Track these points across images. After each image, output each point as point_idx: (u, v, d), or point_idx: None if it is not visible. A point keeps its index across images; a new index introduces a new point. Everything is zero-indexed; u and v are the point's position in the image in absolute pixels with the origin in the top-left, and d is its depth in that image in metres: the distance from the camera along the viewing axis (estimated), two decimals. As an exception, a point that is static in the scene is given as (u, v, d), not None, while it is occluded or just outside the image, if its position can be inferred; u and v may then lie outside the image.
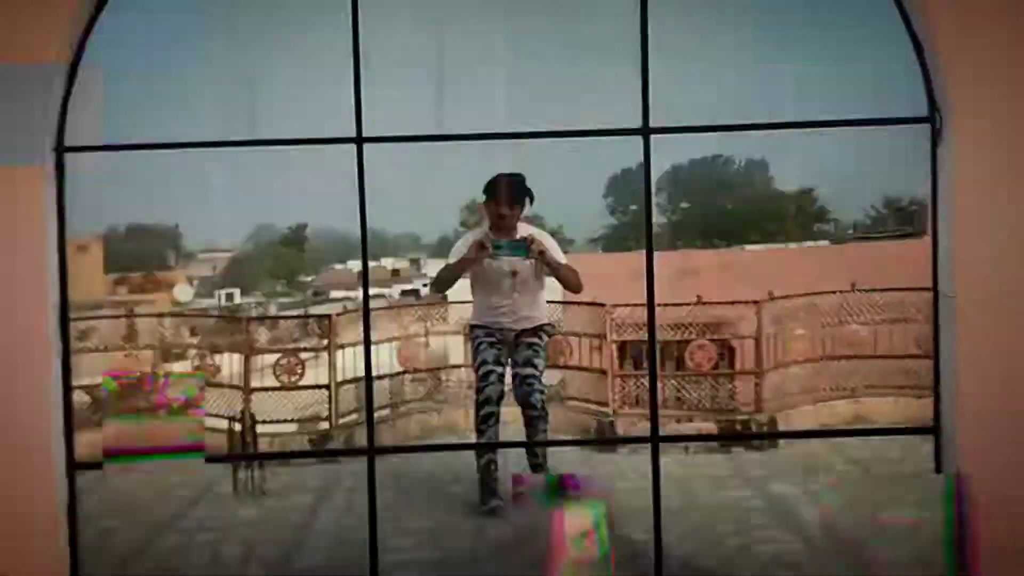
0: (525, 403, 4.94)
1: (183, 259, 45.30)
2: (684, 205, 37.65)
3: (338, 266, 43.15)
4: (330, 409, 7.28)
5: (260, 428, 7.23)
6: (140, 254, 40.65)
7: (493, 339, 5.00)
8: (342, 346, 7.62)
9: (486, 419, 4.88)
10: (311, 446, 7.08)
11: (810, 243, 23.70)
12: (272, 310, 29.80)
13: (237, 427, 6.35)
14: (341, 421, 7.40)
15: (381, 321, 8.45)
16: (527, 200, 4.96)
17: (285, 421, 7.37)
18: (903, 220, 22.23)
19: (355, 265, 45.08)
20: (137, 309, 23.50)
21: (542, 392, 5.01)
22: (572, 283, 4.94)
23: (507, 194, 4.86)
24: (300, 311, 31.65)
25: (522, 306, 5.00)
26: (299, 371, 7.43)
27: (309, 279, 41.04)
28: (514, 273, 4.94)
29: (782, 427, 7.58)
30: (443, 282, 4.98)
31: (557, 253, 4.91)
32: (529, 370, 4.96)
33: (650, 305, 3.58)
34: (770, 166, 49.33)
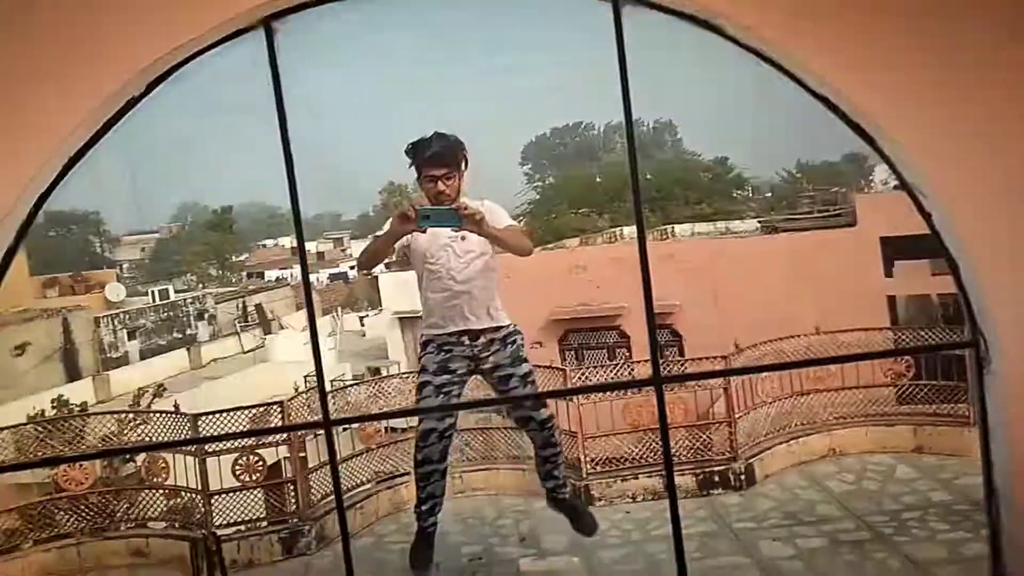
0: (546, 445, 4.51)
1: (109, 244, 43.74)
2: (598, 179, 37.54)
3: (268, 243, 42.36)
4: (298, 501, 7.03)
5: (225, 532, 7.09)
6: (64, 245, 39.10)
7: (445, 375, 4.25)
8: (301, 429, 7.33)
9: (426, 477, 4.29)
10: (282, 546, 6.88)
11: (737, 223, 23.84)
12: (209, 302, 29.14)
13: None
14: (310, 512, 7.15)
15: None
16: (463, 163, 4.15)
17: (251, 522, 7.11)
18: (828, 200, 22.57)
19: (285, 242, 44.44)
20: (69, 314, 22.98)
21: (551, 429, 4.47)
22: (519, 247, 4.18)
23: (436, 156, 4.04)
24: (239, 300, 31.26)
25: (477, 289, 4.22)
26: (260, 468, 7.12)
27: (242, 258, 40.08)
28: (463, 238, 4.15)
29: (759, 472, 7.66)
30: (368, 258, 4.25)
31: (503, 219, 4.18)
32: (542, 412, 4.41)
33: (645, 279, 3.14)
34: (679, 129, 50.04)
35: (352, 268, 32.86)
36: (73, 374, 21.62)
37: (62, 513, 8.01)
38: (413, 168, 4.13)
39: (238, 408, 7.58)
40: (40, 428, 9.32)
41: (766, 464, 7.74)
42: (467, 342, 4.26)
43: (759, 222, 22.88)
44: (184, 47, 2.69)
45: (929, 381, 8.19)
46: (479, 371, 4.36)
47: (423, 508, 4.30)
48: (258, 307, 28.21)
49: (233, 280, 35.66)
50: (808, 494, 7.19)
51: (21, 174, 2.79)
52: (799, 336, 8.19)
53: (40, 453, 8.20)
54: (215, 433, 7.48)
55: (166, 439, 7.86)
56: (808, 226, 18.88)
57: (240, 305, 28.47)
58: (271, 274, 36.36)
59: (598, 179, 37.36)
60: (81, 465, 7.84)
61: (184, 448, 7.75)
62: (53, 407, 13.99)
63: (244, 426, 7.56)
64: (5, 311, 22.51)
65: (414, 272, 4.44)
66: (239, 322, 27.23)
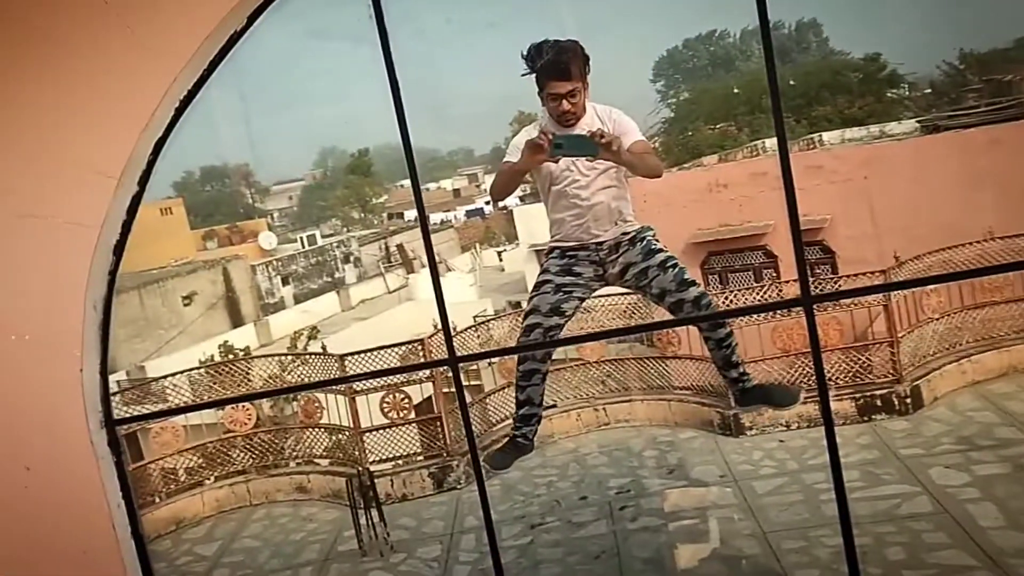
0: (712, 325, 3.83)
1: (260, 194, 45.93)
2: (735, 91, 35.38)
3: (431, 186, 43.12)
4: (444, 437, 7.13)
5: (380, 467, 7.32)
6: (220, 198, 41.40)
7: (568, 277, 3.92)
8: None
9: (527, 376, 3.92)
10: (432, 480, 7.02)
11: (893, 125, 21.95)
12: (354, 245, 30.13)
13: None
14: (458, 447, 7.25)
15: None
16: (587, 68, 3.75)
17: (406, 457, 7.29)
18: (997, 91, 20.31)
19: (447, 183, 45.26)
20: (228, 264, 24.36)
21: (708, 307, 3.82)
22: (651, 169, 3.82)
23: (559, 68, 3.65)
24: (381, 241, 32.20)
25: (608, 196, 3.86)
26: (407, 405, 7.24)
27: (382, 200, 41.15)
28: (583, 156, 3.75)
29: (927, 394, 7.13)
30: (499, 190, 3.90)
31: (634, 134, 3.78)
32: (691, 291, 3.75)
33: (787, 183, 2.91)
34: (823, 27, 46.51)
35: (487, 204, 33.02)
36: (236, 320, 23.01)
37: (237, 451, 8.55)
38: (533, 79, 3.73)
39: (381, 347, 7.74)
40: (211, 372, 9.95)
41: (934, 385, 7.18)
42: (593, 247, 4.00)
43: (918, 122, 21.05)
44: None
45: None
46: (608, 277, 4.04)
47: (519, 412, 3.95)
48: (400, 247, 28.84)
49: (375, 223, 36.73)
50: (984, 416, 6.63)
51: (134, 122, 2.79)
52: (969, 244, 7.46)
53: (211, 396, 8.76)
54: (361, 371, 7.68)
55: (319, 379, 8.14)
56: (976, 122, 17.17)
57: (383, 246, 29.29)
58: (411, 214, 37.17)
59: (735, 90, 35.50)
60: (245, 407, 8.30)
61: (334, 388, 8.05)
62: (220, 352, 14.91)
63: (390, 364, 7.72)
64: (171, 264, 24.17)
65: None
66: (383, 263, 28.07)
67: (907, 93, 35.20)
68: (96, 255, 2.99)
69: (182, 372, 8.97)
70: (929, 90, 35.36)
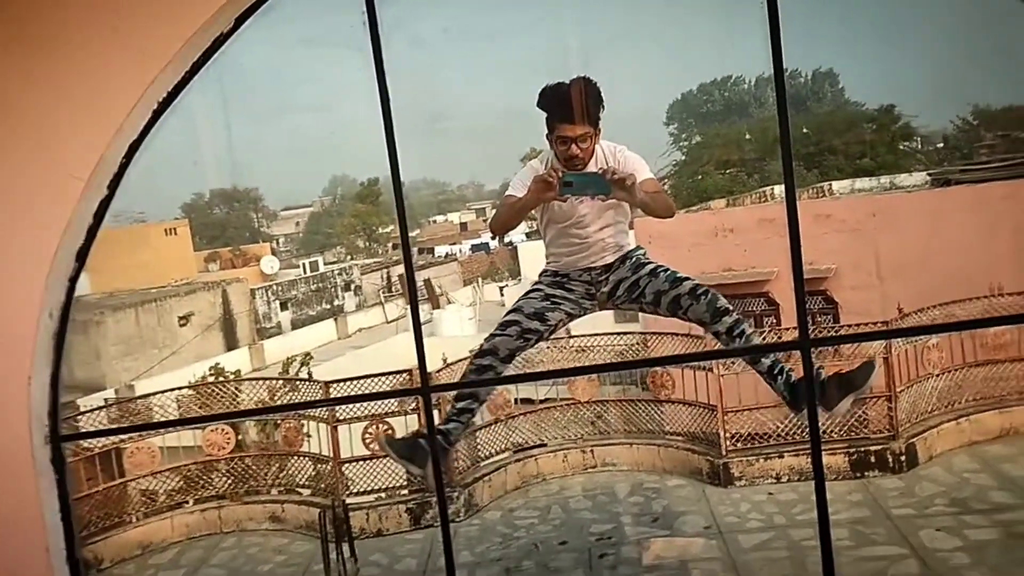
0: (714, 313, 3.55)
1: (267, 219, 46.14)
2: (747, 136, 35.42)
3: (439, 218, 43.29)
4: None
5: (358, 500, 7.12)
6: (227, 221, 41.61)
7: (559, 290, 3.80)
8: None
9: (482, 370, 3.68)
10: (410, 516, 6.80)
11: (904, 177, 21.83)
12: (355, 273, 30.10)
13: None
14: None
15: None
16: (601, 110, 3.59)
17: (388, 490, 7.08)
18: (1011, 147, 20.19)
19: (454, 217, 45.44)
20: (228, 286, 24.34)
21: (707, 295, 3.61)
22: (664, 209, 3.66)
23: (575, 107, 3.48)
24: (383, 271, 32.18)
25: (608, 233, 3.75)
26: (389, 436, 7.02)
27: (387, 231, 41.27)
28: (593, 195, 3.64)
29: (922, 452, 6.90)
30: (501, 225, 3.79)
31: (644, 172, 3.62)
32: (684, 285, 3.61)
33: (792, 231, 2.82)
34: (840, 78, 46.69)
35: (492, 239, 33.00)
36: (231, 343, 22.90)
37: (218, 475, 8.36)
38: (544, 118, 3.60)
39: (368, 376, 7.55)
40: (198, 393, 9.79)
41: (931, 443, 6.95)
42: (587, 268, 3.84)
43: (929, 175, 20.91)
44: None
45: None
46: (599, 297, 3.85)
47: (457, 404, 3.74)
48: (427, 282, 28.79)
49: (380, 252, 36.72)
50: (980, 479, 6.40)
51: (107, 123, 2.67)
52: (975, 299, 7.27)
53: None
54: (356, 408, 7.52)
55: (320, 411, 7.95)
56: (988, 177, 16.99)
57: (384, 276, 29.24)
58: (441, 250, 37.20)
59: (747, 136, 35.56)
60: (223, 430, 8.11)
61: (318, 415, 7.86)
62: (211, 374, 14.73)
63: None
64: (171, 283, 24.15)
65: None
66: (383, 292, 27.99)
67: (919, 146, 35.20)
68: (56, 260, 2.83)
69: (163, 392, 8.82)
70: (942, 144, 35.35)
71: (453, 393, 4.17)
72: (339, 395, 7.50)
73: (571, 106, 3.49)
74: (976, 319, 7.24)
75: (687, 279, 3.66)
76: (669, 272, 3.70)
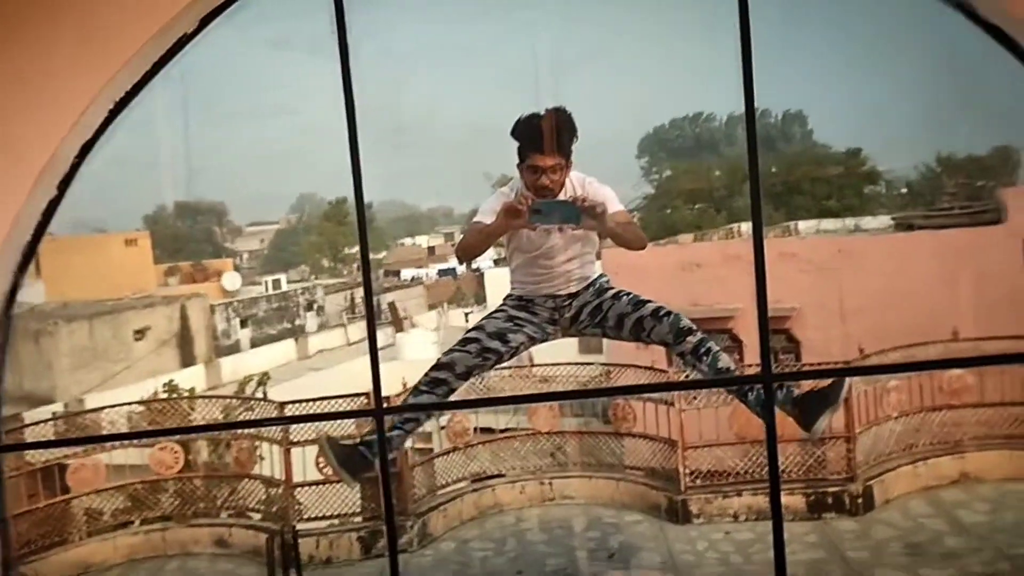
0: (677, 333, 3.48)
1: (231, 234, 45.65)
2: (716, 173, 35.90)
3: (407, 241, 43.13)
4: (387, 498, 6.74)
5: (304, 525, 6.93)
6: (189, 234, 41.08)
7: (523, 312, 3.75)
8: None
9: (433, 383, 3.55)
10: (361, 545, 6.62)
11: (868, 219, 22.20)
12: (319, 293, 29.78)
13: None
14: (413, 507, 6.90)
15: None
16: (574, 141, 3.55)
17: (342, 516, 6.91)
18: (972, 195, 20.67)
19: (423, 240, 45.29)
20: (188, 301, 23.90)
21: (670, 315, 3.57)
22: (635, 243, 3.58)
23: (547, 137, 3.44)
24: (348, 292, 31.91)
25: (574, 264, 3.72)
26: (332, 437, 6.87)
27: (353, 251, 40.93)
28: (560, 228, 3.61)
29: (879, 495, 6.90)
30: (468, 250, 3.67)
31: (614, 204, 3.57)
32: (647, 307, 3.57)
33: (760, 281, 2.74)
34: (809, 119, 47.61)
35: (460, 265, 32.91)
36: (187, 360, 22.42)
37: (166, 495, 8.12)
38: (516, 146, 3.56)
39: (324, 398, 7.40)
40: (150, 409, 9.54)
41: (888, 487, 6.95)
42: (552, 297, 3.78)
43: (893, 219, 21.27)
44: None
45: (1086, 401, 7.19)
46: (562, 323, 3.78)
47: (397, 422, 3.70)
48: (391, 305, 28.54)
49: (345, 272, 36.43)
50: (935, 523, 6.40)
51: (60, 121, 2.56)
52: (935, 343, 7.32)
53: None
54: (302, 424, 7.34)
55: (273, 432, 7.77)
56: (949, 223, 17.33)
57: (348, 297, 28.94)
58: (407, 273, 37.00)
59: (716, 172, 35.97)
60: (172, 448, 7.88)
61: (271, 436, 7.67)
62: (164, 391, 14.41)
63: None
64: (128, 296, 23.66)
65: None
66: (346, 314, 27.69)
67: (884, 190, 35.86)
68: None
69: (114, 406, 8.58)
70: (905, 189, 36.07)
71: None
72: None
73: (543, 136, 3.46)
74: (935, 360, 7.30)
75: (649, 302, 3.62)
76: (632, 296, 3.66)
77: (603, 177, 3.71)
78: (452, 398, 3.85)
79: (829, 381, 3.49)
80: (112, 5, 2.45)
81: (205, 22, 2.56)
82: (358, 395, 7.69)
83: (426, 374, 3.59)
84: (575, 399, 7.31)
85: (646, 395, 7.60)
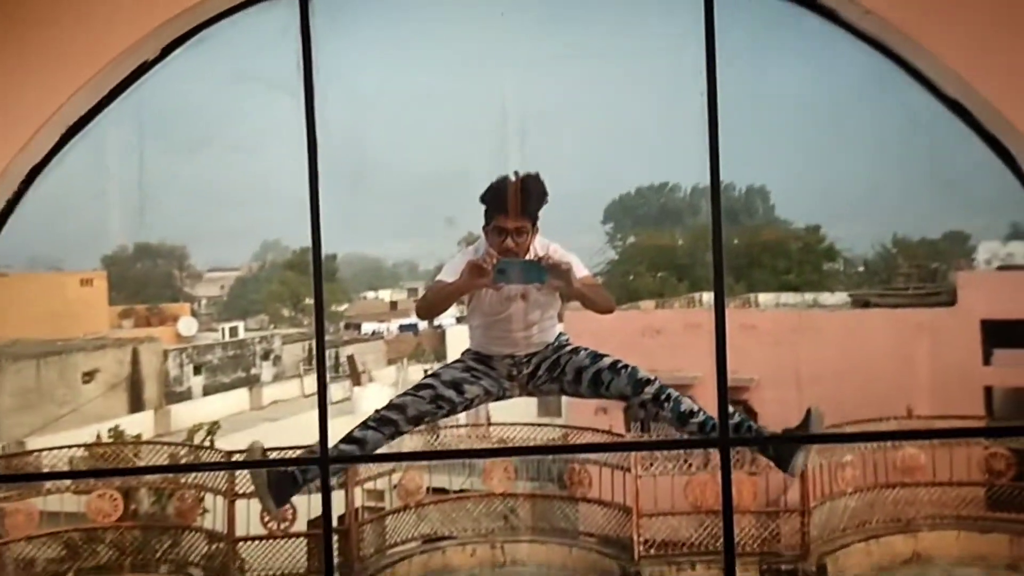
0: (636, 384, 3.44)
1: (191, 279, 45.02)
2: (679, 242, 36.53)
3: (370, 295, 42.85)
4: (327, 557, 6.57)
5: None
6: (147, 277, 40.40)
7: (481, 365, 3.67)
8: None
9: (383, 423, 3.46)
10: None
11: (826, 295, 22.65)
12: (276, 343, 29.36)
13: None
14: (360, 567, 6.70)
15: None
16: (541, 204, 3.53)
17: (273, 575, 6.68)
18: (925, 277, 21.22)
19: (385, 295, 45.07)
20: (141, 345, 23.39)
21: (626, 369, 3.51)
22: (602, 305, 3.53)
23: (514, 200, 3.44)
24: (306, 341, 31.48)
25: (535, 331, 3.67)
26: (289, 516, 6.69)
27: (342, 308, 40.81)
28: (523, 297, 3.56)
29: (832, 571, 6.85)
30: (429, 308, 3.62)
31: (579, 269, 3.53)
32: (605, 360, 3.50)
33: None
34: (771, 195, 48.86)
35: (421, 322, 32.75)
36: (136, 405, 21.83)
37: (104, 545, 7.82)
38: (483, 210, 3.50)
39: (274, 448, 7.21)
40: (93, 454, 9.23)
41: (841, 564, 6.94)
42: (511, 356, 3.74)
43: (850, 295, 21.70)
44: (207, 4, 2.35)
45: (1034, 484, 7.27)
46: (520, 379, 3.73)
47: (339, 443, 3.59)
48: (350, 358, 28.15)
49: (305, 323, 36.04)
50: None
51: (9, 141, 2.49)
52: (889, 419, 7.41)
53: (97, 484, 8.06)
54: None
55: (212, 478, 7.58)
56: (903, 303, 17.74)
57: (306, 347, 28.54)
58: (368, 327, 36.67)
59: (680, 242, 36.48)
60: (112, 496, 7.60)
61: (217, 487, 7.46)
62: (109, 436, 13.99)
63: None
64: (80, 337, 23.09)
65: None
66: (303, 365, 27.27)
67: (842, 268, 36.63)
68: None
69: (55, 448, 8.29)
70: (862, 268, 36.90)
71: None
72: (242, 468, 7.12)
73: (510, 198, 3.44)
74: (889, 431, 7.37)
75: (607, 356, 3.60)
76: (589, 350, 3.63)
77: (567, 240, 3.72)
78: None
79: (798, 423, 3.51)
80: (70, 28, 2.41)
81: (167, 51, 2.53)
82: (309, 447, 7.51)
83: (376, 411, 3.51)
84: (531, 455, 7.22)
85: (602, 461, 7.53)
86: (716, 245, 2.67)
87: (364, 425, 3.53)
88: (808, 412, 3.48)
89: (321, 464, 3.13)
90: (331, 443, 3.51)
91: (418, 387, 3.60)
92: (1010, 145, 2.47)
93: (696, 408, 3.52)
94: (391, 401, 3.55)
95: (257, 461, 3.52)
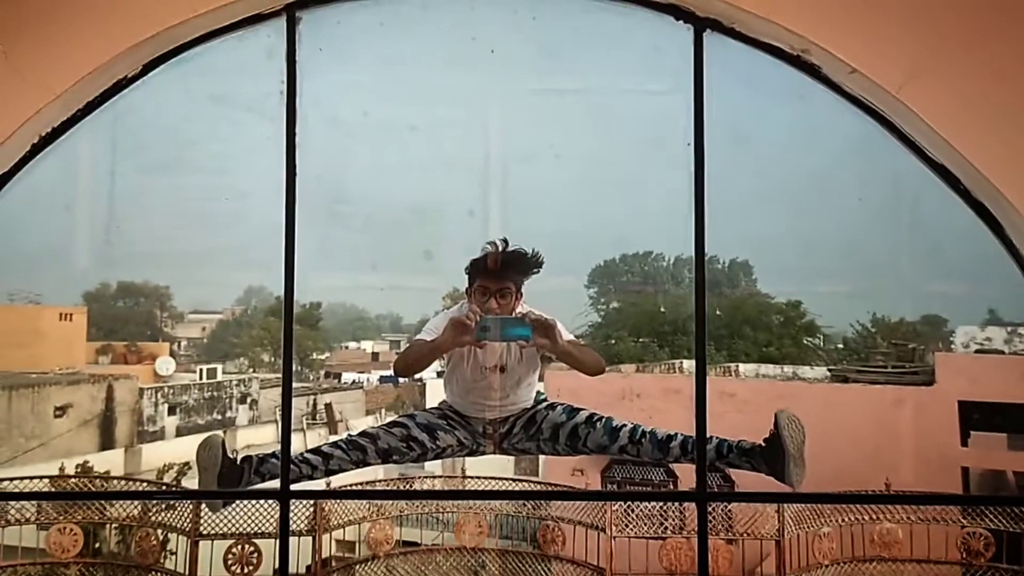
0: (611, 432, 3.44)
1: (173, 319, 44.82)
2: (662, 310, 36.86)
3: (352, 345, 42.88)
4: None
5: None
6: (128, 315, 40.15)
7: (458, 416, 3.62)
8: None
9: (350, 445, 3.46)
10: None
11: (806, 369, 22.80)
12: (254, 386, 29.11)
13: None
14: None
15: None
16: (529, 274, 3.51)
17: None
18: (903, 356, 21.43)
19: (367, 345, 45.00)
20: (116, 382, 23.14)
21: (602, 421, 3.54)
22: (591, 365, 3.51)
23: (495, 261, 3.39)
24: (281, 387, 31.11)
25: (511, 399, 3.61)
26: (255, 560, 6.54)
27: (323, 357, 40.81)
28: (502, 369, 3.51)
29: (804, 645, 6.73)
30: (408, 365, 3.55)
31: (564, 333, 3.47)
32: (581, 415, 3.54)
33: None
34: (754, 269, 49.39)
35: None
36: (107, 442, 21.49)
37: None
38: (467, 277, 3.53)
39: (237, 491, 7.06)
40: (57, 487, 9.01)
41: (816, 638, 6.80)
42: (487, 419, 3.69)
43: (829, 370, 21.83)
44: (193, 23, 2.37)
45: (1011, 566, 7.21)
46: (495, 437, 3.65)
47: (304, 454, 3.49)
48: (328, 407, 27.88)
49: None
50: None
51: None
52: (866, 492, 7.37)
53: (59, 517, 7.88)
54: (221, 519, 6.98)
55: (182, 522, 7.40)
56: (881, 380, 17.86)
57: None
58: (348, 376, 36.60)
59: (662, 309, 36.70)
60: (72, 530, 7.40)
61: (182, 527, 7.29)
62: (76, 472, 13.74)
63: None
64: (55, 370, 22.80)
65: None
66: (279, 410, 27.04)
67: (822, 343, 36.87)
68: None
69: (17, 479, 8.08)
70: (842, 345, 37.15)
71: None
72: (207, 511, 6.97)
73: (494, 260, 3.42)
74: (868, 493, 7.32)
75: (583, 409, 3.58)
76: (566, 405, 3.62)
77: (551, 304, 3.67)
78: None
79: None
80: (48, 38, 2.42)
81: (149, 67, 2.54)
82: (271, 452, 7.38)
83: (348, 435, 3.51)
84: (503, 499, 7.12)
85: (577, 519, 7.44)
86: (699, 305, 2.72)
87: (334, 444, 3.50)
88: (776, 417, 3.49)
89: (281, 497, 3.11)
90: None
91: (392, 424, 3.59)
92: (996, 212, 2.50)
93: (673, 432, 3.50)
94: (364, 430, 3.53)
95: (215, 492, 3.47)
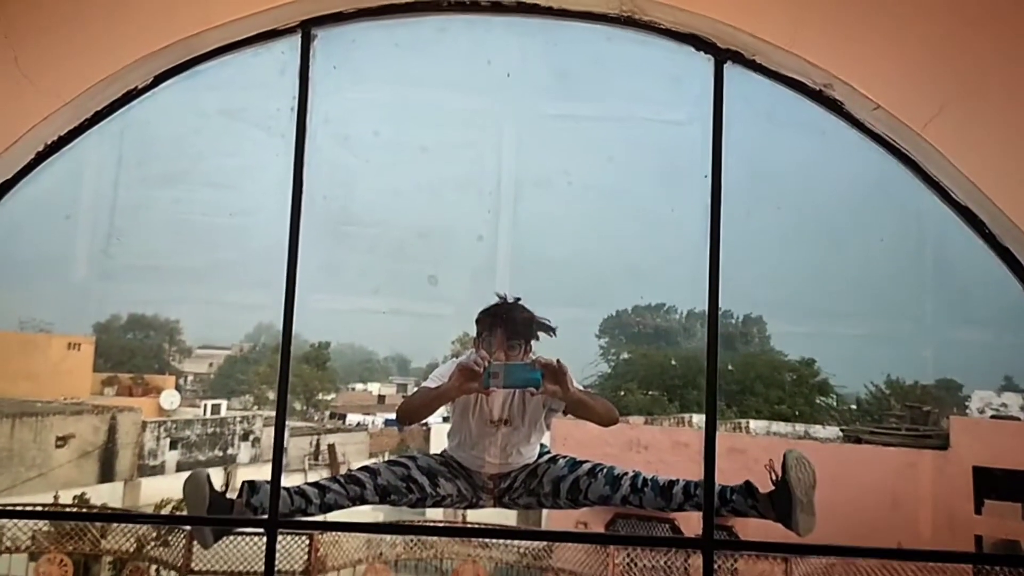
0: (612, 482, 3.34)
1: (181, 354, 44.82)
2: (673, 363, 36.65)
3: (359, 386, 42.71)
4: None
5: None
6: (137, 348, 40.18)
7: (460, 467, 3.51)
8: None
9: (349, 479, 3.37)
10: None
11: (818, 428, 22.51)
12: (258, 424, 28.91)
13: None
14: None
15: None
16: (535, 338, 3.42)
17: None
18: (918, 419, 21.12)
19: (374, 387, 44.82)
20: (120, 414, 22.98)
21: (602, 468, 3.43)
22: (603, 415, 3.38)
23: (504, 314, 3.33)
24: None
25: (514, 455, 3.49)
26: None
27: (329, 398, 40.63)
28: (506, 422, 3.42)
29: None
30: (413, 410, 3.42)
31: (573, 383, 3.34)
32: (583, 467, 3.42)
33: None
34: (768, 326, 49.11)
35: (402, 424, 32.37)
36: (107, 475, 21.27)
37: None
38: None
39: (232, 519, 6.94)
40: (55, 524, 8.90)
41: None
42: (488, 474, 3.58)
43: (842, 430, 21.52)
44: (207, 35, 2.33)
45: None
46: (496, 492, 3.52)
47: (300, 487, 3.36)
48: (331, 447, 27.71)
49: (296, 407, 35.69)
50: None
51: None
52: (880, 549, 7.17)
53: (50, 547, 7.78)
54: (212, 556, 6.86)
55: (169, 553, 7.30)
56: (895, 442, 17.56)
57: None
58: (353, 418, 36.41)
59: (673, 362, 36.45)
60: (61, 561, 7.27)
61: (173, 563, 7.18)
62: (74, 504, 13.58)
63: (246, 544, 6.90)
64: (60, 400, 22.73)
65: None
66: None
67: (835, 403, 36.46)
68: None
69: (14, 507, 7.98)
70: (855, 405, 36.71)
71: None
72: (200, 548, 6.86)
73: (504, 312, 3.36)
74: (878, 548, 7.10)
75: (586, 461, 3.47)
76: (568, 458, 3.49)
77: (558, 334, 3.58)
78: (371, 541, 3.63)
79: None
80: (59, 46, 2.39)
81: (160, 79, 2.51)
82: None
83: (348, 470, 3.43)
84: (498, 538, 6.97)
85: (579, 572, 7.26)
86: (711, 361, 2.66)
87: (332, 478, 3.39)
88: (784, 457, 3.36)
89: (269, 527, 3.04)
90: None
91: (392, 462, 3.46)
92: (1022, 256, 2.42)
93: (675, 478, 3.38)
94: (365, 464, 3.43)
95: (200, 518, 3.37)
